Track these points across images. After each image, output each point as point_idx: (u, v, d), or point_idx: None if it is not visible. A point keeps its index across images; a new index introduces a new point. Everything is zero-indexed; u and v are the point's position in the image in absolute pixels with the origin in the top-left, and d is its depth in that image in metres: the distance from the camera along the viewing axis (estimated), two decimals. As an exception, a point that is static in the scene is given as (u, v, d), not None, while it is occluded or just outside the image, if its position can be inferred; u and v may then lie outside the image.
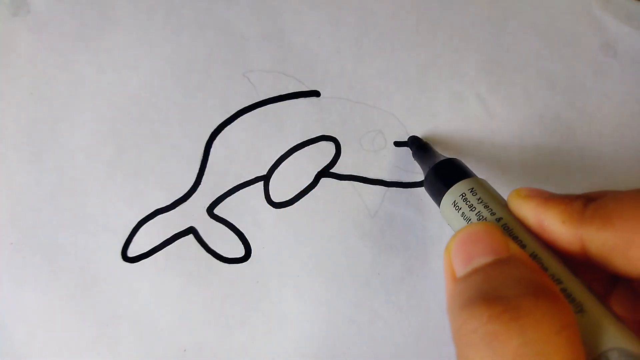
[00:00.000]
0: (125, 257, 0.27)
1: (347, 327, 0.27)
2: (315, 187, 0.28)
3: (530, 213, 0.18)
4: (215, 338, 0.27)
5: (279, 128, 0.28)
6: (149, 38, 0.28)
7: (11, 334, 0.26)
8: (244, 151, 0.28)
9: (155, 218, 0.27)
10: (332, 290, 0.27)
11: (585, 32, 0.29)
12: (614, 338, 0.15)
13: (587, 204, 0.17)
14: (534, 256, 0.17)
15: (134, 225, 0.27)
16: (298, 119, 0.28)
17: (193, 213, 0.28)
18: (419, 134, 0.28)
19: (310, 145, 0.28)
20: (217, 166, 0.28)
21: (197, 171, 0.28)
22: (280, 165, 0.28)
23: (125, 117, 0.28)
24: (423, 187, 0.28)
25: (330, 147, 0.28)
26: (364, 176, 0.28)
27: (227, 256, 0.27)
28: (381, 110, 0.29)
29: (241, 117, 0.28)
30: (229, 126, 0.28)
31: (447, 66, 0.29)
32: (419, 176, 0.28)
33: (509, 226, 0.19)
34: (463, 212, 0.20)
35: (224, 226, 0.28)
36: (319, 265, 0.27)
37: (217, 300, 0.27)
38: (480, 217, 0.20)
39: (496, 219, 0.19)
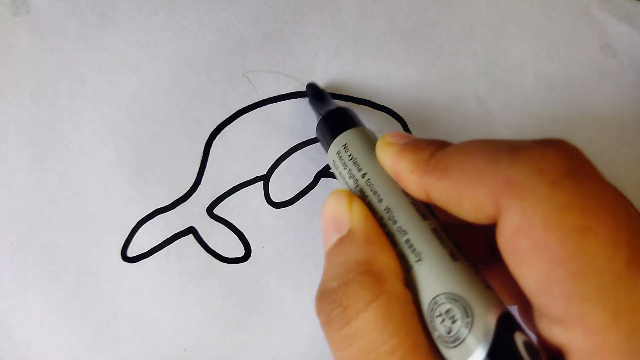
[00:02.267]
0: (125, 257, 0.27)
1: (346, 326, 0.27)
2: (315, 187, 0.28)
3: (388, 162, 0.18)
4: (215, 338, 0.27)
5: (279, 128, 0.28)
6: (149, 38, 0.28)
7: (12, 334, 0.26)
8: (243, 151, 0.28)
9: (155, 218, 0.27)
10: (332, 290, 0.27)
11: (585, 33, 0.29)
12: (443, 282, 0.15)
13: (435, 153, 0.17)
14: (387, 210, 0.18)
15: (133, 225, 0.27)
16: (298, 119, 0.28)
17: (193, 213, 0.28)
18: (419, 133, 0.28)
19: (310, 145, 0.28)
20: (217, 166, 0.28)
21: (197, 171, 0.28)
22: (280, 165, 0.28)
23: (125, 117, 0.28)
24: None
25: (330, 147, 0.28)
26: (364, 176, 0.28)
27: (227, 256, 0.27)
28: (381, 110, 0.29)
29: (241, 117, 0.28)
30: (228, 126, 0.28)
31: (446, 67, 0.29)
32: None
33: (371, 181, 0.19)
34: (340, 172, 0.21)
35: (223, 226, 0.28)
36: (319, 265, 0.27)
37: (217, 300, 0.27)
38: (351, 176, 0.20)
39: (363, 175, 0.19)
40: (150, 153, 0.28)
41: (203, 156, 0.28)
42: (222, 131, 0.28)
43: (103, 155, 0.28)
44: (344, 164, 0.20)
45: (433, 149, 0.17)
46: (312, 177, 0.28)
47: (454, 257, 0.16)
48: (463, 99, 0.29)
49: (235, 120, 0.28)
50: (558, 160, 0.14)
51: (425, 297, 0.15)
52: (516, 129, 0.28)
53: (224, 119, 0.28)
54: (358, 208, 0.18)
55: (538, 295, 0.14)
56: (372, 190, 0.19)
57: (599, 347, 0.13)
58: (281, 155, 0.28)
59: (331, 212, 0.18)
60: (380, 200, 0.18)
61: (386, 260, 0.16)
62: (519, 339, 0.14)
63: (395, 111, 0.29)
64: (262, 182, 0.28)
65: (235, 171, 0.28)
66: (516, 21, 0.30)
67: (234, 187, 0.28)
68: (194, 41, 0.28)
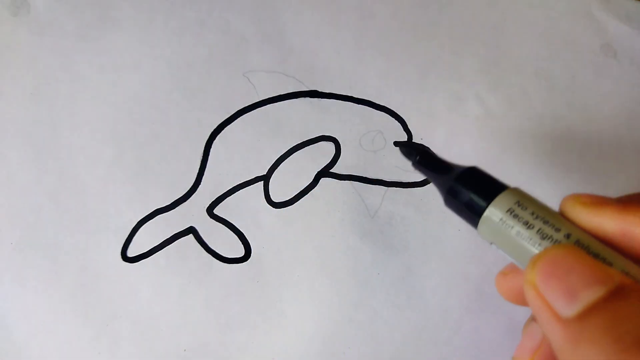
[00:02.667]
0: (125, 257, 0.27)
1: (347, 326, 0.27)
2: (315, 187, 0.28)
3: (611, 224, 0.16)
4: (215, 338, 0.27)
5: (279, 128, 0.28)
6: (149, 38, 0.28)
7: (12, 334, 0.26)
8: (244, 151, 0.28)
9: (155, 218, 0.27)
10: (332, 289, 0.27)
11: (585, 32, 0.29)
12: None
13: None
14: (625, 274, 0.15)
15: (134, 225, 0.27)
16: (298, 119, 0.28)
17: (193, 213, 0.28)
18: (419, 133, 0.28)
19: (310, 146, 0.28)
20: (217, 166, 0.28)
21: (197, 171, 0.28)
22: (280, 165, 0.28)
23: (125, 117, 0.28)
24: (422, 187, 0.28)
25: (330, 147, 0.28)
26: (364, 176, 0.28)
27: (227, 256, 0.27)
28: (381, 110, 0.29)
29: (241, 117, 0.28)
30: (229, 126, 0.28)
31: (446, 67, 0.29)
32: (419, 176, 0.28)
33: (583, 242, 0.16)
34: (518, 231, 0.18)
35: (223, 226, 0.28)
36: (319, 265, 0.27)
37: (217, 300, 0.27)
38: (545, 236, 0.17)
39: (565, 236, 0.17)
40: (150, 153, 0.28)
41: (203, 156, 0.28)
42: (222, 131, 0.28)
43: (103, 155, 0.28)
44: (527, 224, 0.18)
45: None
46: (312, 177, 0.28)
47: None
48: (463, 99, 0.29)
49: (235, 120, 0.28)
50: None
51: None
52: (516, 129, 0.28)
53: (224, 119, 0.28)
54: (607, 266, 0.15)
55: None
56: (591, 254, 0.16)
57: None
58: (281, 155, 0.28)
59: (573, 264, 0.15)
60: (610, 264, 0.16)
61: None
62: None
63: (395, 111, 0.29)
64: (262, 182, 0.28)
65: (235, 171, 0.28)
66: (516, 21, 0.30)
67: (234, 187, 0.28)
68: (194, 41, 0.28)
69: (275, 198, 0.28)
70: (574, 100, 0.29)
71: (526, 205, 0.18)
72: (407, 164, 0.28)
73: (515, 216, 0.18)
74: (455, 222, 0.28)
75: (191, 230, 0.28)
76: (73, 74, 0.28)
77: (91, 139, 0.28)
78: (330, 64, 0.29)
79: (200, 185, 0.28)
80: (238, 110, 0.28)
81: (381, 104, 0.29)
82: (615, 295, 0.14)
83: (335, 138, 0.28)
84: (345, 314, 0.27)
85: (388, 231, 0.28)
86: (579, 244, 0.16)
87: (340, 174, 0.28)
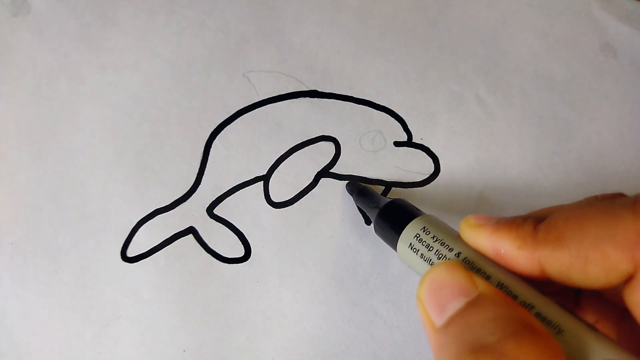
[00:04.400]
0: (125, 257, 0.27)
1: (346, 326, 0.27)
2: (315, 187, 0.28)
3: (485, 242, 0.18)
4: (215, 338, 0.27)
5: (279, 128, 0.28)
6: (149, 38, 0.28)
7: (11, 334, 0.26)
8: (243, 151, 0.28)
9: (155, 218, 0.27)
10: (332, 289, 0.27)
11: (585, 32, 0.29)
12: (599, 351, 0.15)
13: (537, 225, 0.17)
14: (500, 285, 0.17)
15: (133, 225, 0.27)
16: (298, 119, 0.28)
17: (193, 213, 0.28)
18: (419, 133, 0.28)
19: (310, 146, 0.28)
20: (217, 166, 0.28)
21: (197, 171, 0.28)
22: (280, 165, 0.28)
23: (125, 117, 0.28)
24: (422, 187, 0.28)
25: (330, 147, 0.28)
26: (364, 176, 0.28)
27: (227, 256, 0.27)
28: (381, 110, 0.29)
29: (241, 117, 0.28)
30: (228, 126, 0.28)
31: (446, 67, 0.29)
32: (419, 176, 0.28)
33: (469, 259, 0.18)
34: (422, 254, 0.20)
35: (223, 226, 0.28)
36: (319, 265, 0.27)
37: (217, 300, 0.27)
38: (440, 256, 0.19)
39: (455, 254, 0.19)
40: (150, 153, 0.28)
41: (203, 156, 0.28)
42: (222, 131, 0.28)
43: (103, 155, 0.28)
44: (428, 246, 0.20)
45: (532, 222, 0.17)
46: (312, 177, 0.28)
47: (590, 327, 0.16)
48: (463, 99, 0.29)
49: (235, 120, 0.28)
50: None
51: None
52: (516, 129, 0.28)
53: (224, 119, 0.28)
54: (478, 277, 0.17)
55: None
56: (474, 268, 0.18)
57: None
58: (281, 155, 0.28)
59: (447, 279, 0.17)
60: (489, 277, 0.18)
61: (537, 323, 0.16)
62: None
63: (395, 111, 0.29)
64: (262, 182, 0.28)
65: (235, 171, 0.28)
66: (516, 21, 0.30)
67: (234, 187, 0.28)
68: (194, 41, 0.29)
69: (275, 198, 0.28)
70: (574, 100, 0.29)
71: (430, 230, 0.20)
72: (407, 164, 0.28)
73: (420, 241, 0.20)
74: (455, 222, 0.28)
75: (191, 230, 0.28)
76: (73, 74, 0.28)
77: (91, 139, 0.28)
78: (330, 64, 0.29)
79: (200, 185, 0.28)
80: (238, 110, 0.28)
81: (381, 104, 0.29)
82: (472, 305, 0.16)
83: (335, 138, 0.28)
84: (345, 313, 0.27)
85: (388, 231, 0.28)
86: (466, 261, 0.18)
87: (340, 174, 0.28)
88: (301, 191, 0.28)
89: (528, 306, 0.16)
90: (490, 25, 0.29)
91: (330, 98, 0.29)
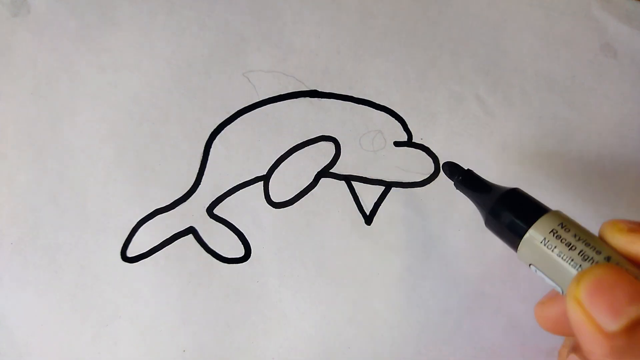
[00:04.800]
0: (125, 257, 0.27)
1: (346, 326, 0.27)
2: (315, 187, 0.28)
3: None
4: (215, 338, 0.27)
5: (279, 128, 0.28)
6: (149, 38, 0.28)
7: (11, 334, 0.26)
8: (243, 151, 0.28)
9: (155, 218, 0.27)
10: (332, 289, 0.27)
11: (585, 32, 0.29)
12: None
13: None
14: None
15: (133, 225, 0.27)
16: (298, 119, 0.28)
17: (193, 213, 0.28)
18: (419, 133, 0.28)
19: (310, 145, 0.28)
20: (217, 166, 0.28)
21: (197, 171, 0.28)
22: (280, 165, 0.28)
23: (125, 117, 0.28)
24: (422, 187, 0.28)
25: (330, 147, 0.28)
26: (364, 176, 0.28)
27: (227, 256, 0.27)
28: (381, 110, 0.29)
29: (241, 117, 0.28)
30: (228, 126, 0.28)
31: (446, 67, 0.29)
32: (419, 176, 0.28)
33: (622, 266, 0.17)
34: (560, 252, 0.18)
35: (223, 226, 0.28)
36: (319, 265, 0.27)
37: (217, 300, 0.27)
38: (586, 257, 0.18)
39: (605, 258, 0.18)
40: (150, 153, 0.28)
41: (203, 156, 0.28)
42: (222, 131, 0.28)
43: (103, 155, 0.28)
44: (569, 245, 0.18)
45: None
46: (312, 177, 0.28)
47: None
48: (463, 99, 0.29)
49: (235, 120, 0.28)
50: None
51: None
52: (516, 129, 0.28)
53: (224, 119, 0.28)
54: None
55: None
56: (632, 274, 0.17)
57: None
58: (281, 156, 0.28)
59: (618, 282, 0.16)
60: None
61: None
62: None
63: (395, 111, 0.29)
64: (262, 182, 0.28)
65: (235, 171, 0.28)
66: (516, 21, 0.30)
67: (234, 187, 0.28)
68: (194, 41, 0.29)
69: (275, 198, 0.28)
70: (574, 100, 0.29)
71: (569, 228, 0.19)
72: (407, 164, 0.28)
73: (558, 237, 0.19)
74: (456, 222, 0.28)
75: (191, 230, 0.28)
76: (73, 74, 0.28)
77: (91, 139, 0.28)
78: (330, 64, 0.29)
79: (200, 185, 0.28)
80: (238, 110, 0.28)
81: (381, 104, 0.29)
82: None
83: (335, 138, 0.28)
84: (345, 313, 0.27)
85: (388, 231, 0.28)
86: (620, 265, 0.17)
87: (340, 174, 0.28)
88: (301, 191, 0.28)
89: None
90: (491, 25, 0.29)
91: (330, 98, 0.29)
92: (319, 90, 0.29)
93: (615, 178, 0.28)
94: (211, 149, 0.28)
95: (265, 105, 0.28)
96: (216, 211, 0.28)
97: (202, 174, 0.28)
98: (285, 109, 0.28)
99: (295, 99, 0.28)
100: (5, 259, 0.27)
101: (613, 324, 0.15)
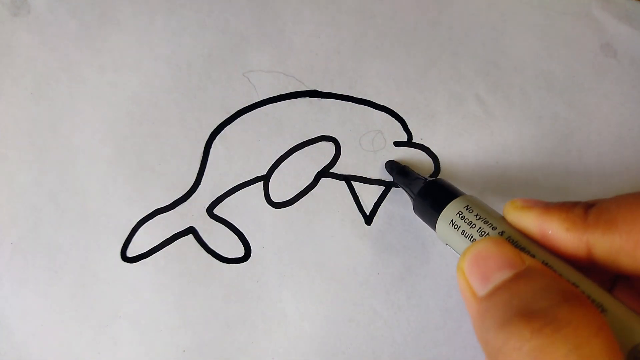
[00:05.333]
0: (124, 257, 0.27)
1: (346, 326, 0.27)
2: (315, 187, 0.28)
3: (532, 223, 0.19)
4: (215, 338, 0.27)
5: (279, 128, 0.28)
6: (149, 38, 0.28)
7: (11, 334, 0.26)
8: (243, 151, 0.28)
9: (155, 218, 0.27)
10: (332, 289, 0.27)
11: (585, 32, 0.29)
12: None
13: (588, 209, 0.17)
14: (544, 264, 0.18)
15: (133, 225, 0.27)
16: (298, 119, 0.28)
17: (193, 213, 0.28)
18: (419, 133, 0.28)
19: (310, 146, 0.28)
20: (217, 166, 0.28)
21: (197, 171, 0.28)
22: (280, 165, 0.28)
23: (125, 117, 0.28)
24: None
25: (329, 147, 0.28)
26: (364, 176, 0.28)
27: (227, 256, 0.27)
28: (381, 110, 0.29)
29: (241, 117, 0.28)
30: (228, 126, 0.28)
31: (446, 67, 0.29)
32: (419, 176, 0.28)
33: (513, 238, 0.19)
34: (463, 230, 0.21)
35: (223, 226, 0.28)
36: (319, 265, 0.27)
37: (217, 300, 0.27)
38: (482, 233, 0.20)
39: (499, 233, 0.19)
40: (150, 153, 0.28)
41: (203, 156, 0.28)
42: (222, 131, 0.28)
43: (103, 155, 0.28)
44: (470, 224, 0.21)
45: (583, 206, 0.17)
46: (312, 177, 0.28)
47: (628, 306, 0.16)
48: (463, 99, 0.29)
49: (235, 120, 0.28)
50: None
51: (621, 345, 0.15)
52: (516, 129, 0.28)
53: (224, 119, 0.28)
54: (524, 253, 0.18)
55: None
56: (518, 247, 0.19)
57: None
58: (281, 156, 0.28)
59: (492, 252, 0.18)
60: (533, 256, 0.18)
61: (584, 295, 0.16)
62: None
63: (395, 111, 0.29)
64: (262, 182, 0.28)
65: (235, 171, 0.28)
66: (516, 21, 0.30)
67: (234, 187, 0.28)
68: (194, 41, 0.28)
69: (275, 198, 0.28)
70: (574, 100, 0.29)
71: (473, 209, 0.21)
72: (407, 164, 0.28)
73: (463, 218, 0.21)
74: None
75: (191, 231, 0.28)
76: (73, 74, 0.28)
77: (91, 139, 0.28)
78: (330, 64, 0.29)
79: (200, 185, 0.28)
80: (238, 110, 0.28)
81: (381, 104, 0.29)
82: (520, 276, 0.17)
83: (335, 138, 0.28)
84: (345, 313, 0.27)
85: (388, 231, 0.28)
86: (510, 239, 0.19)
87: (340, 174, 0.28)
88: (301, 191, 0.28)
89: (573, 285, 0.17)
90: (491, 25, 0.29)
91: (330, 98, 0.29)
92: (319, 90, 0.29)
93: (615, 178, 0.28)
94: (211, 149, 0.28)
95: (265, 105, 0.28)
96: (216, 211, 0.28)
97: (202, 174, 0.28)
98: (285, 109, 0.28)
99: (295, 99, 0.28)
100: (5, 259, 0.27)
101: (482, 290, 0.17)
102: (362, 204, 0.28)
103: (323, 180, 0.28)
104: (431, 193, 0.24)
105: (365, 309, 0.27)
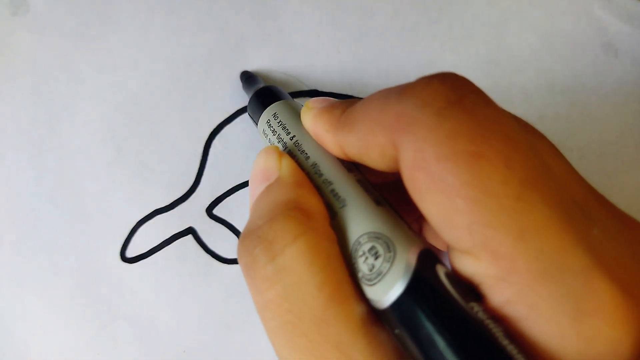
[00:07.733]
0: (124, 258, 0.27)
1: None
2: (315, 187, 0.28)
3: (309, 124, 0.19)
4: (215, 338, 0.27)
5: (279, 128, 0.28)
6: (148, 38, 0.28)
7: (11, 334, 0.26)
8: (243, 151, 0.28)
9: (154, 218, 0.27)
10: (332, 290, 0.27)
11: (586, 32, 0.29)
12: (367, 223, 0.15)
13: (345, 110, 0.17)
14: (314, 165, 0.18)
15: (133, 226, 0.27)
16: (298, 119, 0.28)
17: (192, 213, 0.28)
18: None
19: (310, 145, 0.28)
20: (216, 166, 0.28)
21: (196, 171, 0.28)
22: (280, 165, 0.28)
23: (124, 117, 0.28)
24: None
25: (329, 147, 0.28)
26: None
27: (226, 256, 0.27)
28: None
29: (241, 117, 0.28)
30: (228, 126, 0.28)
31: (446, 67, 0.29)
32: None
33: (299, 142, 0.19)
34: (269, 139, 0.21)
35: (223, 226, 0.28)
36: (319, 265, 0.27)
37: (216, 300, 0.27)
38: (279, 140, 0.20)
39: (291, 138, 0.20)
40: (150, 153, 0.28)
41: (202, 156, 0.28)
42: (222, 131, 0.28)
43: (103, 155, 0.28)
44: (274, 131, 0.21)
45: (344, 107, 0.17)
46: (312, 177, 0.28)
47: (377, 202, 0.16)
48: (463, 99, 0.29)
49: (235, 120, 0.28)
50: (442, 90, 0.14)
51: (349, 239, 0.15)
52: (517, 129, 0.28)
53: (224, 119, 0.28)
54: (286, 160, 0.18)
55: (443, 229, 0.13)
56: (300, 150, 0.19)
57: (508, 271, 0.12)
58: (281, 155, 0.28)
59: (260, 166, 0.18)
60: (307, 158, 0.18)
61: (314, 202, 0.16)
62: (440, 270, 0.14)
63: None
64: (262, 182, 0.28)
65: (235, 171, 0.28)
66: (517, 20, 0.29)
67: (233, 187, 0.28)
68: (193, 41, 0.28)
69: (274, 198, 0.28)
70: (575, 100, 0.29)
71: (278, 115, 0.21)
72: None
73: (270, 126, 0.21)
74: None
75: (190, 231, 0.28)
76: (72, 74, 0.28)
77: (90, 138, 0.28)
78: (330, 64, 0.29)
79: (199, 186, 0.28)
80: (238, 110, 0.28)
81: (381, 103, 0.29)
82: (265, 190, 0.17)
83: (335, 138, 0.28)
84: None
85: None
86: (296, 144, 0.19)
87: (340, 174, 0.28)
88: (301, 191, 0.28)
89: (327, 183, 0.17)
90: (492, 24, 0.29)
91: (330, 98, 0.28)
92: (319, 90, 0.29)
93: (615, 178, 0.28)
94: (210, 149, 0.28)
95: (264, 105, 0.28)
96: (216, 211, 0.28)
97: (202, 174, 0.28)
98: (285, 109, 0.28)
99: (295, 99, 0.28)
100: (5, 259, 0.27)
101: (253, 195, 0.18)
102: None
103: (323, 181, 0.28)
104: (257, 101, 0.24)
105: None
